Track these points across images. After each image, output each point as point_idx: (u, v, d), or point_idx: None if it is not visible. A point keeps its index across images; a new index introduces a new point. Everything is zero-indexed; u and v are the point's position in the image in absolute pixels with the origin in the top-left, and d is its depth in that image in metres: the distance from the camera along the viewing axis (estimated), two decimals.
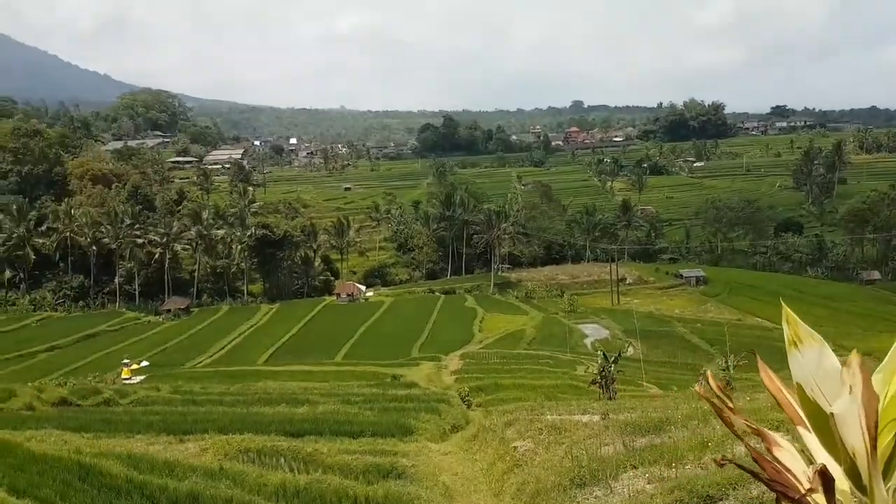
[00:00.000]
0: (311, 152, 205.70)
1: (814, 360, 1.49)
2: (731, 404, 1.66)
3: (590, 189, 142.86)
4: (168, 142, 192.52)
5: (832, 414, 1.45)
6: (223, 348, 60.32)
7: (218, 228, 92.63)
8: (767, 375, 1.65)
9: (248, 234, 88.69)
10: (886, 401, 1.52)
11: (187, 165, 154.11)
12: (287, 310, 78.14)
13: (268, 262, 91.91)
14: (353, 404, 22.72)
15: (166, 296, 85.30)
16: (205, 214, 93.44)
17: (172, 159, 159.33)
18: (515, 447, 13.37)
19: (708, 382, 1.75)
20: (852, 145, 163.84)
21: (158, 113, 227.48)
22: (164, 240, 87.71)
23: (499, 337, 59.54)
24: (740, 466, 1.74)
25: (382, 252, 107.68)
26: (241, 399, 23.77)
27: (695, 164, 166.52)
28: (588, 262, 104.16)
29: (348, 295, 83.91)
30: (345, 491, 10.20)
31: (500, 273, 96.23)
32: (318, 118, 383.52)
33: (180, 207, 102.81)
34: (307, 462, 12.57)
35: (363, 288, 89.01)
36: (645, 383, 33.49)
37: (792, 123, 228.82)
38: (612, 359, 26.72)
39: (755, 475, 1.63)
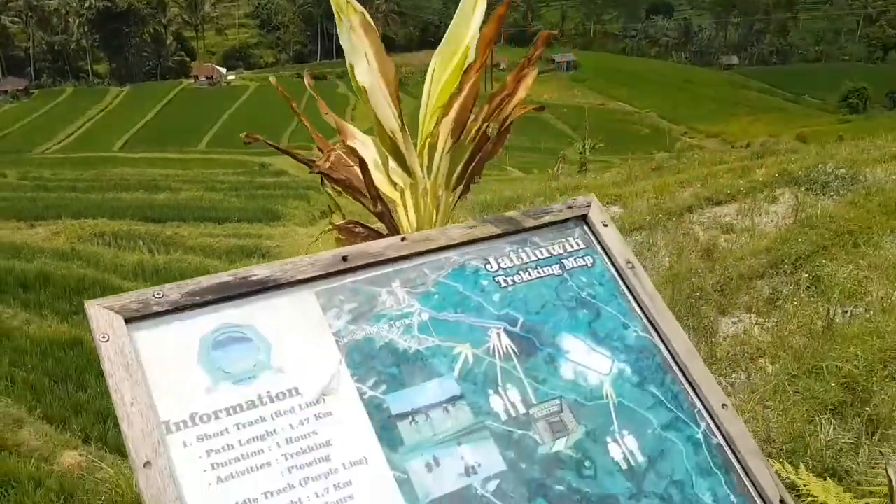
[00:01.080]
0: None
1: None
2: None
3: None
4: None
5: (363, 88, 1.39)
6: (72, 134, 55.64)
7: None
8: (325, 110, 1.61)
9: (87, 5, 77.46)
10: (439, 88, 1.46)
11: None
12: (140, 93, 71.70)
13: (113, 39, 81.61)
14: (219, 191, 22.46)
15: (0, 76, 75.28)
16: None
17: None
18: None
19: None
20: None
21: None
22: None
23: (370, 126, 58.68)
24: (270, 144, 1.78)
25: (243, 30, 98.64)
26: (96, 185, 22.72)
27: None
28: None
29: (208, 78, 77.78)
30: (206, 269, 10.47)
31: None
32: None
33: None
34: (167, 244, 12.64)
35: (224, 70, 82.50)
36: (509, 167, 35.25)
37: None
38: None
39: (293, 155, 1.76)
